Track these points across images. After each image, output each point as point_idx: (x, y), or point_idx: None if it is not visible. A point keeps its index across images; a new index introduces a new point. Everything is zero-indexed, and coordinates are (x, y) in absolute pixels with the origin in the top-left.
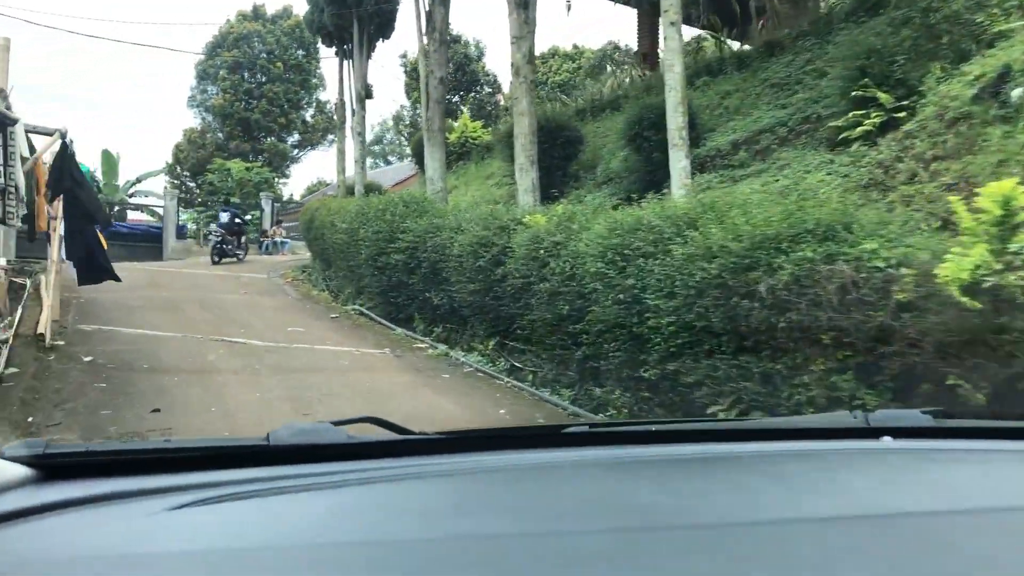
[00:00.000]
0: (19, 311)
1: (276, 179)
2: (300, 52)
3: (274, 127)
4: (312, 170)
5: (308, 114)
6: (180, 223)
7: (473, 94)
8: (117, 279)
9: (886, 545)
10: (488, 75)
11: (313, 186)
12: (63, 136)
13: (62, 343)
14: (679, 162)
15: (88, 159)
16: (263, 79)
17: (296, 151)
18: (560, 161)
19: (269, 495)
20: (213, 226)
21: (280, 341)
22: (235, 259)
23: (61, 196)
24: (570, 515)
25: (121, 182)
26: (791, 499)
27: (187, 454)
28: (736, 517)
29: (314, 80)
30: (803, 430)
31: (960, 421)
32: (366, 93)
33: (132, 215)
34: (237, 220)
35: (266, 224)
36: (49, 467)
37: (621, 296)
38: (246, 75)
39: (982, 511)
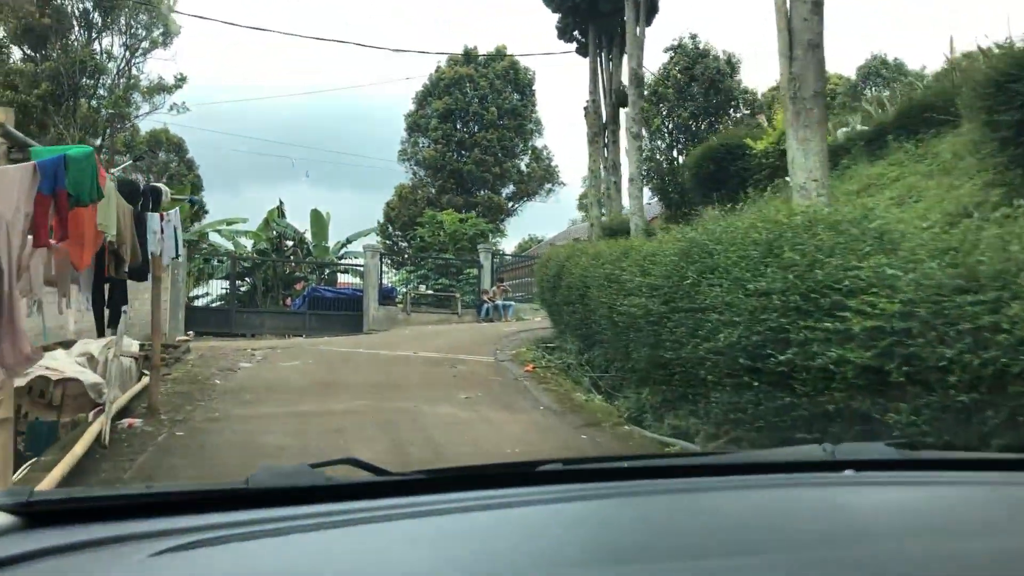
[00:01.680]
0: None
1: (492, 232)
2: (516, 96)
3: (488, 177)
4: (524, 225)
5: (523, 163)
6: (387, 285)
7: (728, 116)
8: None
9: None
10: (746, 93)
11: (525, 243)
12: None
13: None
14: None
15: (298, 219)
16: (475, 127)
17: (511, 203)
18: None
19: (249, 539)
20: None
21: None
22: None
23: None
24: (545, 550)
25: (331, 243)
26: (758, 529)
27: (169, 499)
28: (704, 548)
29: (529, 125)
30: (772, 464)
31: (923, 453)
32: (640, 82)
33: (342, 279)
34: None
35: (485, 283)
36: (33, 514)
37: None
38: (458, 124)
39: (926, 536)
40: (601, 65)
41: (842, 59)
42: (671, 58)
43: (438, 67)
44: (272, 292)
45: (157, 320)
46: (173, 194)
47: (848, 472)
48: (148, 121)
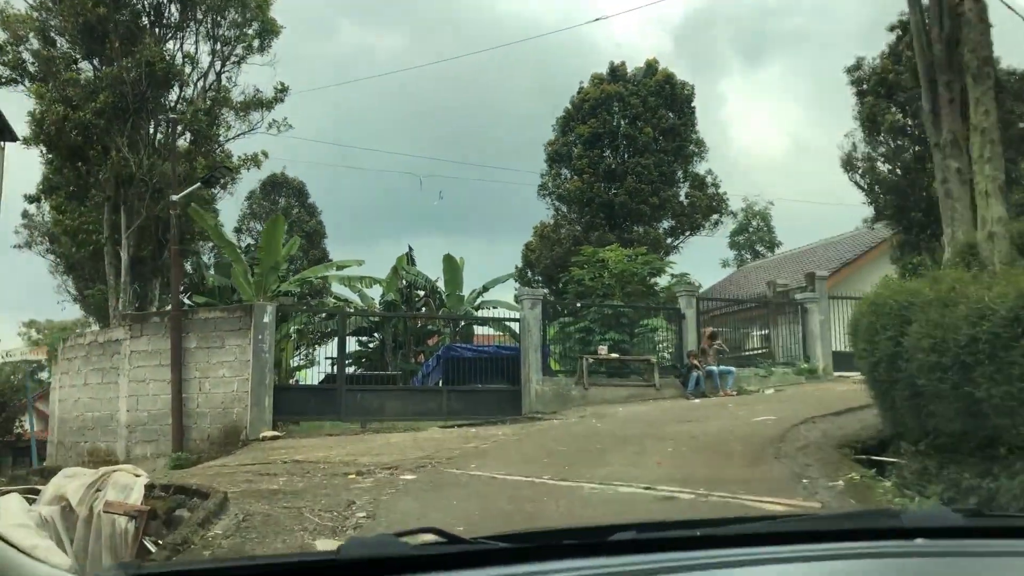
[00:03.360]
0: None
1: (662, 271)
2: (671, 114)
3: (644, 210)
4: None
5: (683, 192)
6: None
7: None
8: None
9: None
10: (1013, 74)
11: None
12: None
13: None
14: None
15: (429, 267)
16: (626, 154)
17: (670, 239)
18: None
19: None
20: None
21: None
22: None
23: None
24: None
25: (466, 292)
26: None
27: (267, 570)
28: None
29: (690, 147)
30: (839, 532)
31: (992, 519)
32: None
33: (479, 331)
34: None
35: (690, 342)
36: None
37: None
38: (606, 151)
39: None
40: None
41: None
42: (898, 38)
43: (580, 88)
44: (403, 349)
45: None
46: None
47: (919, 541)
48: (250, 145)
